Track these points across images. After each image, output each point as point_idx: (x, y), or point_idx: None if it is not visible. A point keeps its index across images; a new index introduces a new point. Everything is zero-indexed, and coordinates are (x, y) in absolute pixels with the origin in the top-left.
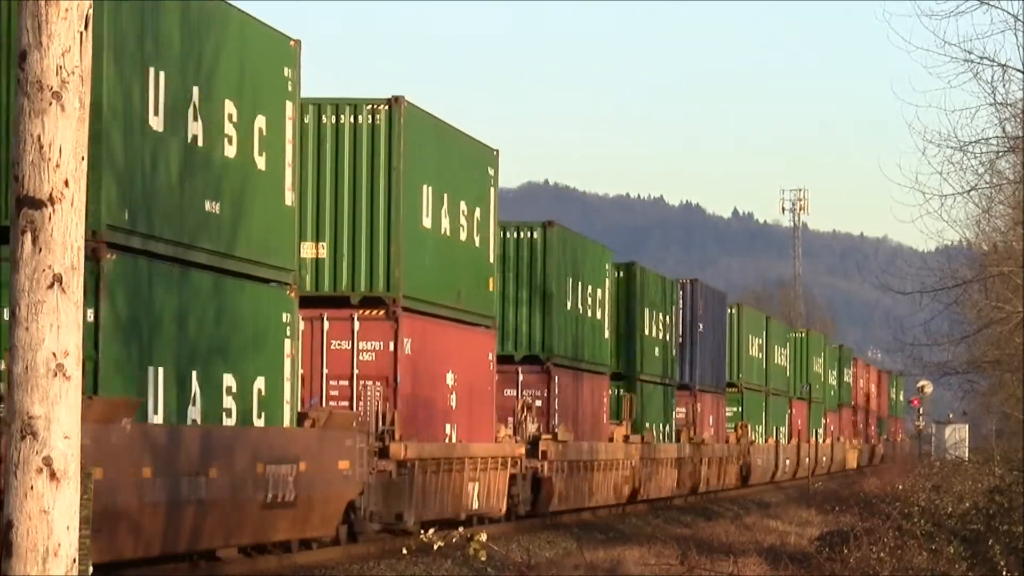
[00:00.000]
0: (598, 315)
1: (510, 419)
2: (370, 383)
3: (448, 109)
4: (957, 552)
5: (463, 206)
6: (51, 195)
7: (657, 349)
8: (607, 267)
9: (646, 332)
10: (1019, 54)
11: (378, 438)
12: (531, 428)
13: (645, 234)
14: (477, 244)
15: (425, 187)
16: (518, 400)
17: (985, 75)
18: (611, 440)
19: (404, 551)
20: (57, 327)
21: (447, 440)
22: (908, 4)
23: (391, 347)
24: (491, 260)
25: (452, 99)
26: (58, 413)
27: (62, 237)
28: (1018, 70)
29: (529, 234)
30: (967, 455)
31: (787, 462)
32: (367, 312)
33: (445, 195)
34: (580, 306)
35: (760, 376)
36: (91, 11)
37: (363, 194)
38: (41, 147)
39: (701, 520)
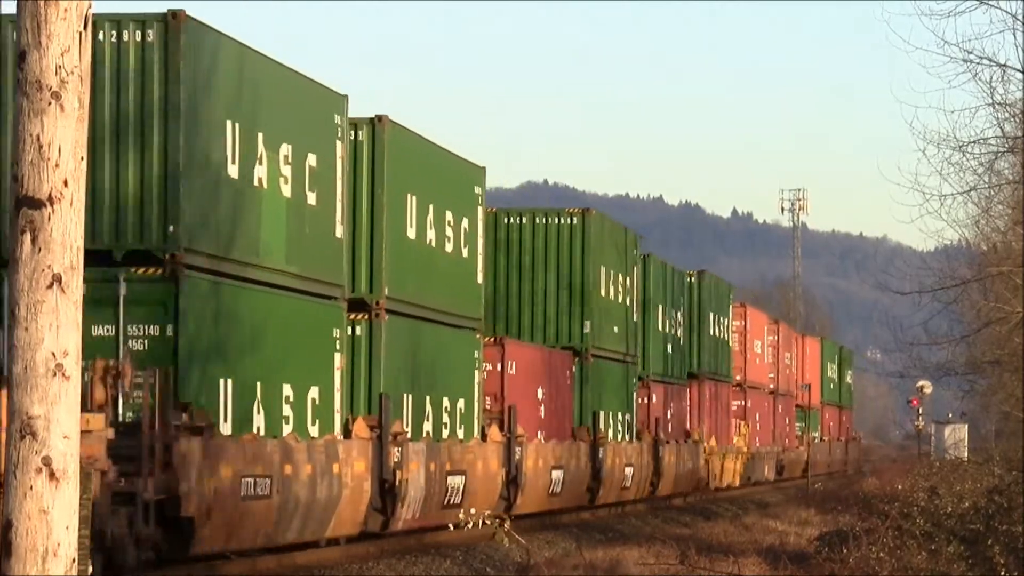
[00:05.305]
0: None
1: None
2: None
3: (448, 110)
4: (956, 552)
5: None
6: (50, 195)
7: None
8: None
9: None
10: (1018, 54)
11: None
12: None
13: (644, 234)
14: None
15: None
16: None
17: (984, 75)
18: None
19: (451, 527)
20: (56, 327)
21: None
22: (908, 4)
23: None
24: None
25: (451, 99)
26: (57, 413)
27: (61, 237)
28: (1017, 70)
29: None
30: (966, 455)
31: (461, 486)
32: None
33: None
34: None
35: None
36: (90, 11)
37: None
38: (40, 147)
39: (700, 520)
